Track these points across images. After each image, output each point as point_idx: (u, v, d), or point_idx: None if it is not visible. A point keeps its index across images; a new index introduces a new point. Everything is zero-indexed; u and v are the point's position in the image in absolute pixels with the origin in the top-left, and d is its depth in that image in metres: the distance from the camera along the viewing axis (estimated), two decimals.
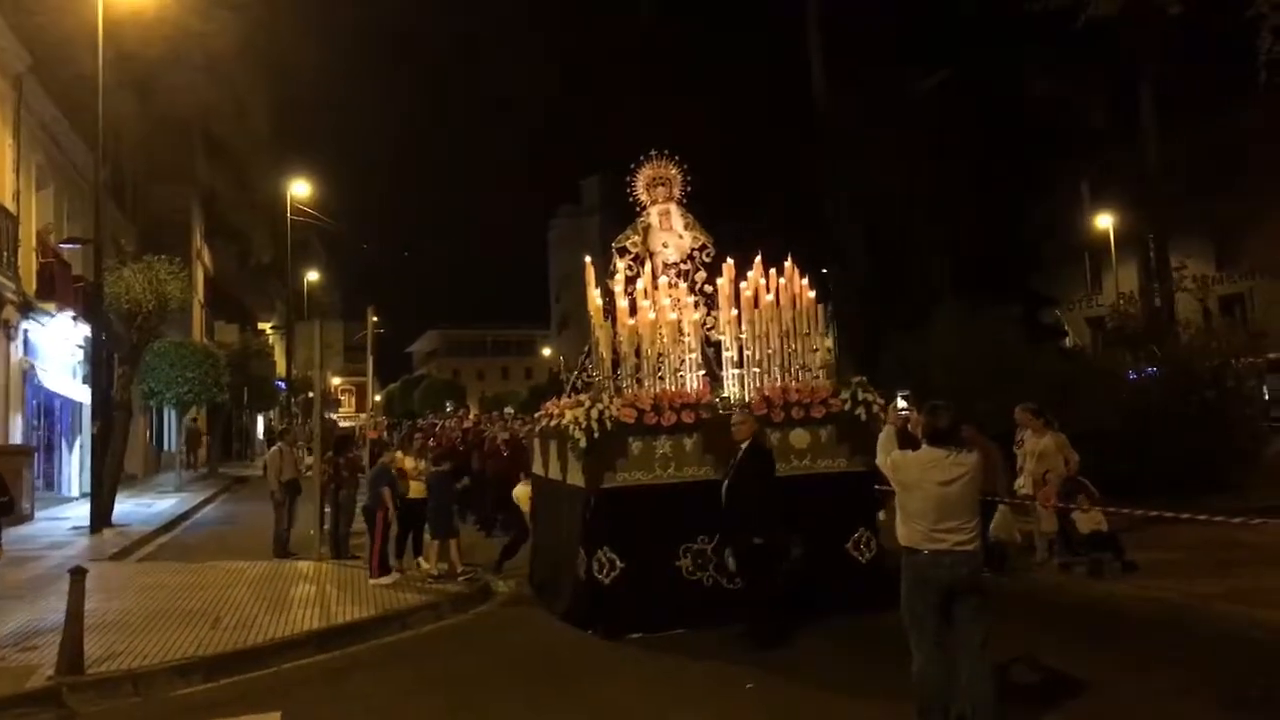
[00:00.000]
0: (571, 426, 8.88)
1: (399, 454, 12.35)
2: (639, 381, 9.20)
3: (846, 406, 9.27)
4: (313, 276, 57.88)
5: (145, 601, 10.73)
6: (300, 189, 38.29)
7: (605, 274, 10.35)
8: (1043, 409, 11.80)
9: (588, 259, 9.69)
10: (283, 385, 55.56)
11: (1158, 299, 32.70)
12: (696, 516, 8.74)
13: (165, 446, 36.24)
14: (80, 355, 23.55)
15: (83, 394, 22.10)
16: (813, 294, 9.73)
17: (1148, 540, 11.93)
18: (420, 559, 12.15)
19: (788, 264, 9.84)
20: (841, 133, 25.29)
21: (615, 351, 9.38)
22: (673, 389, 9.17)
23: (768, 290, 9.69)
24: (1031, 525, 11.72)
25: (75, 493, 22.79)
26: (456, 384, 64.98)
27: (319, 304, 71.22)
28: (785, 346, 9.58)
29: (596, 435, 8.74)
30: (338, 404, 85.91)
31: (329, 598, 10.55)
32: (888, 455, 6.11)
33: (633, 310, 9.40)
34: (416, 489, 11.93)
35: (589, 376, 9.74)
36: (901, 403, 6.64)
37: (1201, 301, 25.73)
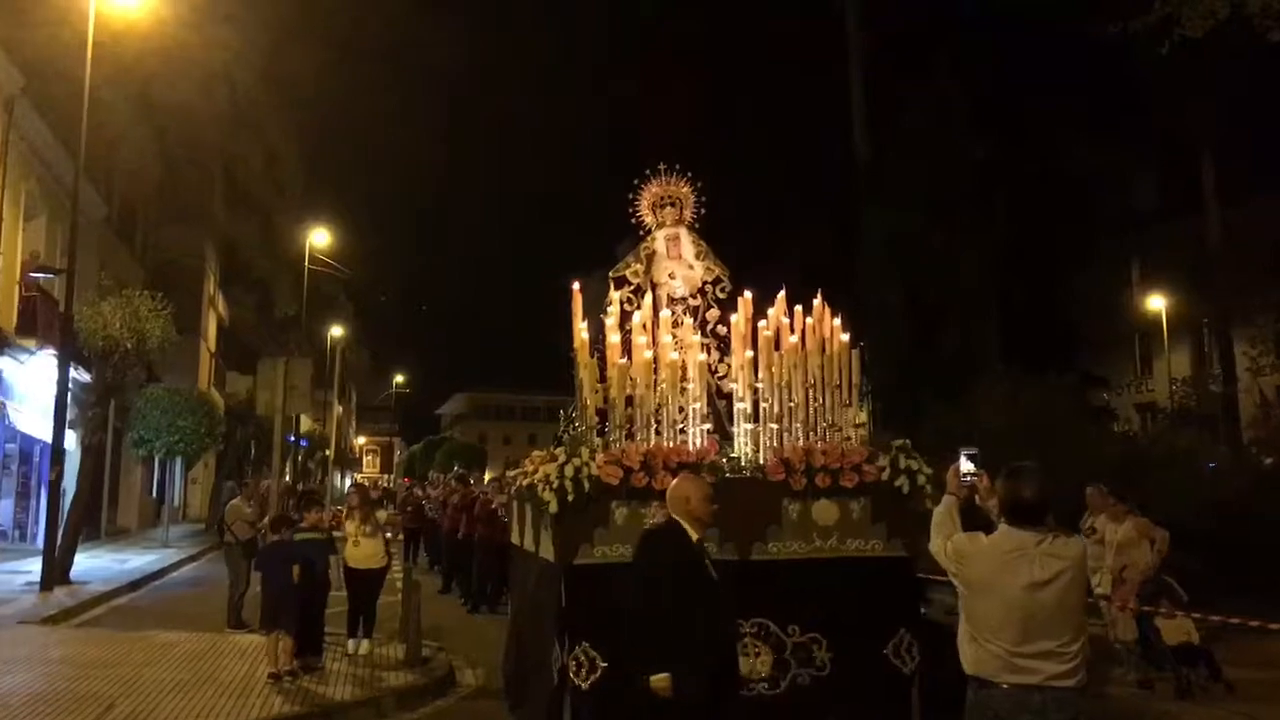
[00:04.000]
0: (540, 486, 7.14)
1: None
2: (630, 435, 7.48)
3: (885, 475, 7.43)
4: (337, 332, 56.75)
5: (40, 680, 9.06)
6: (320, 238, 37.18)
7: (602, 309, 8.64)
8: (1119, 491, 9.99)
9: (576, 285, 8.02)
10: (304, 442, 54.23)
11: (1214, 384, 30.77)
12: None
13: (167, 500, 34.84)
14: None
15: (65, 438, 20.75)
16: (846, 337, 7.98)
17: (1240, 655, 9.99)
18: (353, 641, 10.44)
19: (817, 301, 8.12)
20: (882, 186, 23.76)
21: (606, 400, 7.68)
22: (670, 445, 7.42)
23: (792, 330, 7.96)
24: (1104, 629, 9.80)
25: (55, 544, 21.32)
26: (478, 448, 63.22)
27: (345, 361, 70.33)
28: (811, 400, 7.82)
29: (571, 498, 6.98)
30: (359, 463, 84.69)
31: (254, 685, 8.79)
32: (947, 539, 4.28)
33: (626, 350, 7.71)
34: (358, 557, 10.25)
35: (575, 428, 7.99)
36: (966, 464, 4.81)
37: None
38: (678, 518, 5.31)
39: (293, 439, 44.37)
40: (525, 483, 7.95)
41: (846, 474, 7.38)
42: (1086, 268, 34.90)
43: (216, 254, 37.21)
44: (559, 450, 7.30)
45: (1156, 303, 38.07)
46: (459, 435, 79.93)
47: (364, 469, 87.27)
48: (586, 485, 7.00)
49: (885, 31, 26.91)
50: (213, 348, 36.46)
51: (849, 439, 7.76)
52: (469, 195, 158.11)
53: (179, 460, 30.24)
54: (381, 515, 11.00)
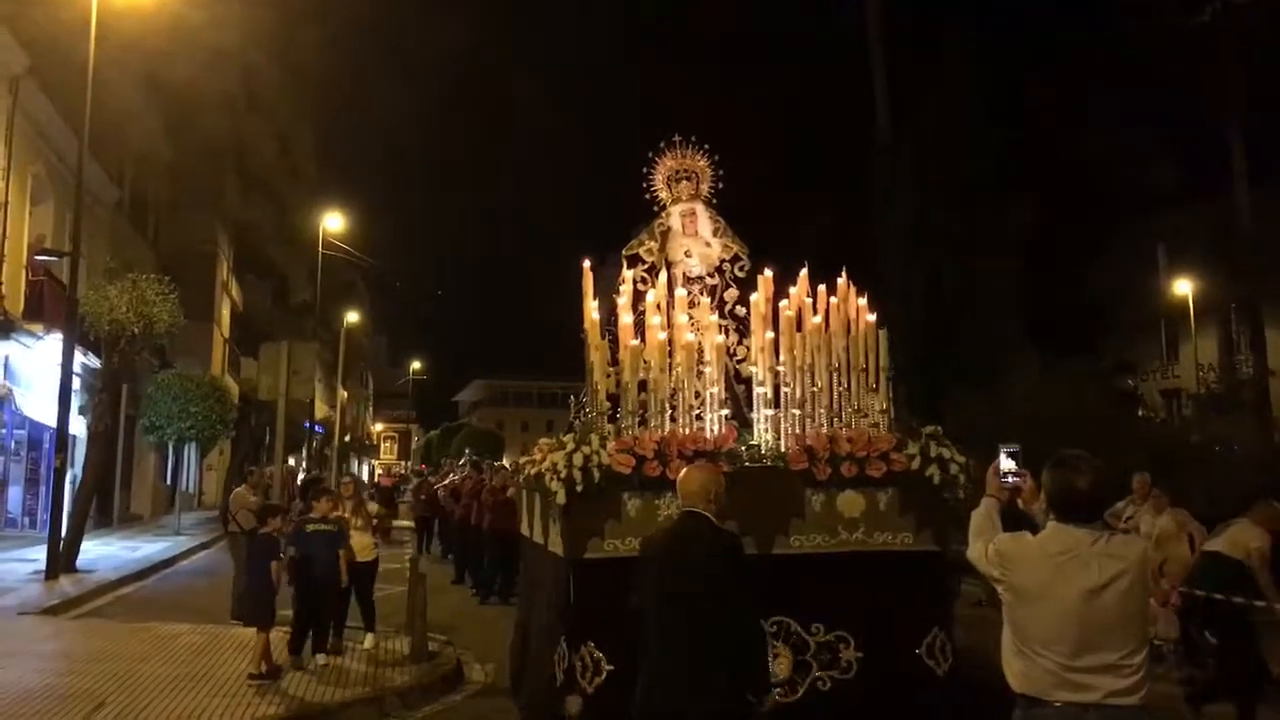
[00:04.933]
0: (548, 475, 6.73)
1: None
2: (643, 421, 7.05)
3: (914, 464, 6.99)
4: (353, 318, 56.52)
5: (33, 674, 8.71)
6: (334, 223, 36.79)
7: (615, 290, 8.18)
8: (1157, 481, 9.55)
9: (586, 263, 7.59)
10: (319, 429, 53.99)
11: (1248, 368, 30.12)
12: None
13: (183, 486, 34.68)
14: (76, 383, 21.96)
15: (75, 424, 20.52)
16: (872, 318, 7.52)
17: None
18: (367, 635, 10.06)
19: (841, 280, 7.67)
20: (903, 168, 23.21)
21: (619, 385, 7.25)
22: (686, 432, 6.99)
23: (815, 310, 7.51)
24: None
25: (60, 531, 21.11)
26: (495, 434, 62.98)
27: (361, 348, 70.23)
28: (835, 383, 7.37)
29: (580, 488, 6.57)
30: (376, 450, 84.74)
31: (251, 682, 8.42)
32: (988, 543, 3.81)
33: (640, 331, 7.28)
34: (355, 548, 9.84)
35: (586, 414, 7.57)
36: (1007, 462, 4.33)
37: None
38: (703, 513, 4.64)
39: (309, 425, 44.24)
40: (533, 472, 7.55)
41: (873, 463, 6.95)
42: (1111, 251, 34.24)
43: (230, 240, 36.92)
44: (567, 438, 6.88)
45: (1183, 287, 37.37)
46: (476, 421, 79.92)
47: (381, 455, 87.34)
48: (597, 475, 6.60)
49: (905, 13, 26.39)
50: (227, 334, 36.20)
51: (876, 426, 7.32)
52: (487, 180, 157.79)
53: (194, 447, 29.99)
54: (372, 508, 10.58)
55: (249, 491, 12.78)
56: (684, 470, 4.96)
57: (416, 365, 78.65)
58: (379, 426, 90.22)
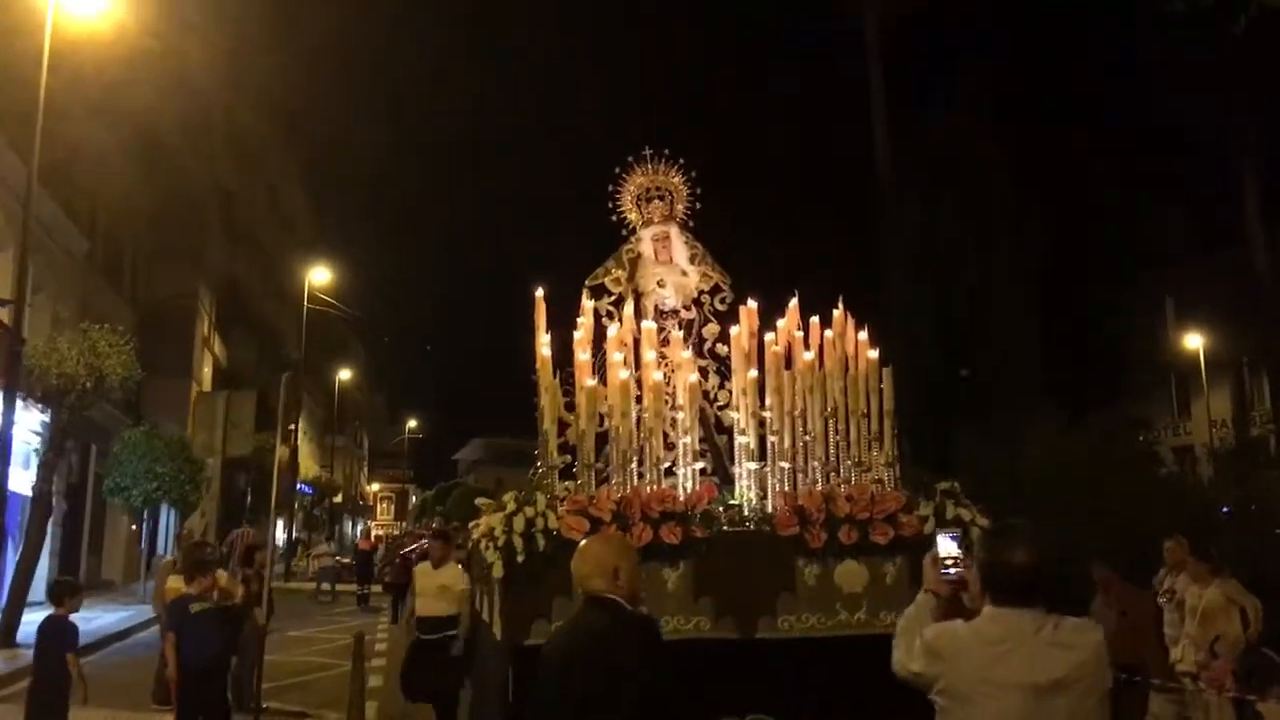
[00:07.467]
0: (484, 543, 5.58)
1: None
2: (604, 477, 5.91)
3: (927, 528, 5.81)
4: (345, 375, 55.51)
5: None
6: (320, 276, 35.89)
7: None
8: (1205, 546, 8.37)
9: (539, 292, 6.47)
10: (308, 489, 52.69)
11: (1262, 423, 29.28)
12: None
13: (161, 550, 33.41)
14: (35, 442, 20.84)
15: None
16: (874, 354, 6.40)
17: None
18: None
19: (838, 311, 6.56)
20: (904, 200, 22.28)
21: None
22: (653, 489, 5.83)
23: (807, 346, 6.38)
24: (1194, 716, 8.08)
25: None
26: (491, 492, 61.49)
27: (356, 405, 69.14)
28: (831, 431, 6.23)
29: (521, 558, 5.41)
30: (373, 510, 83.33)
31: None
32: (916, 639, 3.16)
33: (598, 370, 6.17)
34: None
35: (537, 469, 6.41)
36: (948, 546, 3.47)
37: None
38: (609, 596, 3.68)
39: (297, 486, 43.01)
40: (474, 538, 6.38)
41: (878, 526, 5.77)
42: (1120, 305, 33.48)
43: (213, 294, 36.01)
44: (507, 497, 5.71)
45: (1194, 341, 36.55)
46: (474, 481, 78.50)
47: (378, 516, 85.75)
48: (542, 542, 5.43)
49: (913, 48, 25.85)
50: (207, 391, 35.16)
51: (880, 482, 6.16)
52: (487, 241, 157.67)
53: (173, 509, 28.80)
54: (221, 578, 8.94)
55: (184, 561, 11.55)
56: (581, 544, 3.96)
57: (413, 424, 77.59)
58: (375, 486, 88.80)
